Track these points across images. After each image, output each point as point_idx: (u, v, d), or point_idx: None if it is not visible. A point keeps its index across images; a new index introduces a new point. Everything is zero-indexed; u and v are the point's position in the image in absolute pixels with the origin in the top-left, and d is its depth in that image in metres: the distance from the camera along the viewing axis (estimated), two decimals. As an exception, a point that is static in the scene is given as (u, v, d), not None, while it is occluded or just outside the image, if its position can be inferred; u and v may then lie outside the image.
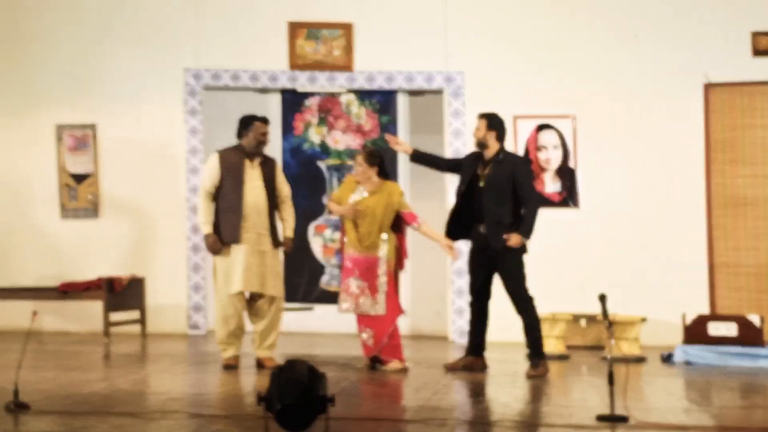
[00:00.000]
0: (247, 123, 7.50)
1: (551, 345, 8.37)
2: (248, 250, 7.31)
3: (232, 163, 7.40)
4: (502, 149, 7.38)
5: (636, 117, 9.64)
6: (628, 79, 9.64)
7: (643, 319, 8.62)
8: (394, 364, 7.35)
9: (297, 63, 10.02)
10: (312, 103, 10.33)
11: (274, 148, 10.32)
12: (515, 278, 7.24)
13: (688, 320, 8.23)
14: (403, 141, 7.97)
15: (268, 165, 7.57)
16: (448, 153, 9.79)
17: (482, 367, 7.42)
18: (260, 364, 7.41)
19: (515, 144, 9.60)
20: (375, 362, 7.42)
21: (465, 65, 9.85)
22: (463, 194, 7.38)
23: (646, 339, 8.79)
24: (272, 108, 10.31)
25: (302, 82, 10.09)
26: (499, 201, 7.21)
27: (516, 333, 8.93)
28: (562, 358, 8.30)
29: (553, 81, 9.69)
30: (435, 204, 9.87)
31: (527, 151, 9.62)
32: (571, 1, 9.79)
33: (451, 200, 9.68)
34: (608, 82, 9.66)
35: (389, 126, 10.23)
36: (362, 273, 7.43)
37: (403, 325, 9.67)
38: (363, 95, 10.26)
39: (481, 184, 7.28)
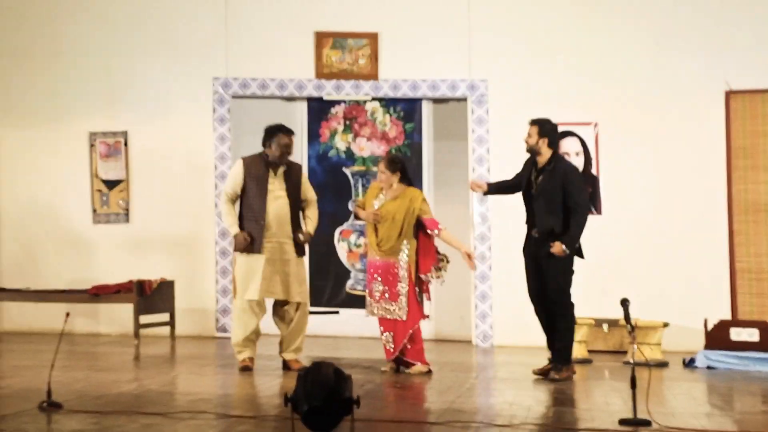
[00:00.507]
0: (271, 133, 7.50)
1: (573, 349, 8.39)
2: (268, 260, 7.35)
3: (255, 172, 7.43)
4: (554, 156, 7.28)
5: (657, 124, 9.64)
6: (650, 87, 9.65)
7: (665, 324, 8.62)
8: (418, 367, 7.42)
9: (323, 72, 10.13)
10: (338, 110, 10.42)
11: (301, 155, 10.46)
12: (559, 283, 7.16)
13: (710, 325, 8.23)
14: (478, 182, 7.82)
15: (292, 173, 7.58)
16: (472, 160, 9.86)
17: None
18: (287, 367, 7.50)
19: None
20: (399, 365, 7.50)
21: (488, 73, 9.89)
22: (523, 194, 7.38)
23: (668, 344, 8.79)
24: (298, 116, 10.43)
25: (328, 90, 10.20)
26: (550, 209, 7.14)
27: (537, 336, 8.99)
28: (584, 362, 8.29)
29: (576, 88, 9.71)
30: (460, 209, 9.96)
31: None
32: (593, 10, 9.80)
33: (474, 206, 9.79)
34: (630, 89, 9.67)
35: (413, 133, 10.31)
36: (383, 277, 7.49)
37: (427, 328, 9.78)
38: (388, 103, 10.33)
39: (534, 191, 7.25)
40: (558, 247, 7.09)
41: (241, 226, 7.43)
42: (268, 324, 7.75)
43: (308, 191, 7.68)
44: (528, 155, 7.37)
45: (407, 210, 7.47)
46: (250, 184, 7.43)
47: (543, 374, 7.27)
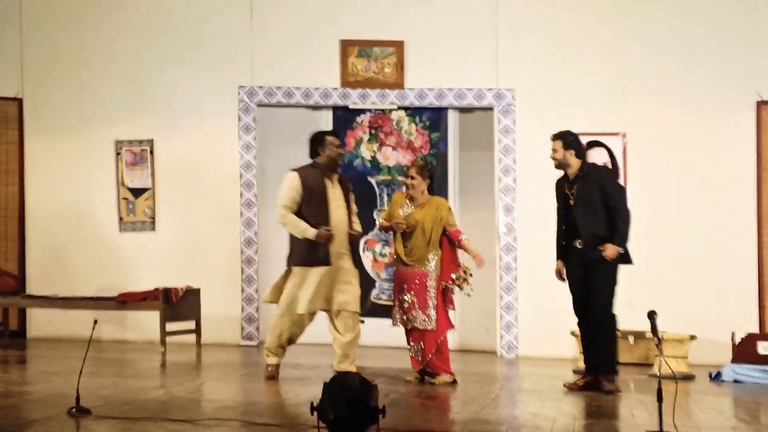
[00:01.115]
0: (320, 140, 7.31)
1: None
2: (327, 271, 7.21)
3: (313, 183, 7.20)
4: (584, 163, 7.26)
5: (687, 134, 9.58)
6: (679, 96, 9.59)
7: (692, 337, 8.55)
8: (443, 377, 7.41)
9: (349, 80, 10.13)
10: (363, 119, 10.43)
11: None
12: (605, 291, 7.08)
13: (737, 339, 8.18)
14: (558, 267, 7.45)
15: (343, 182, 7.44)
16: (498, 170, 9.83)
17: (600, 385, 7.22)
18: None
19: None
20: (424, 375, 7.49)
21: (515, 82, 9.86)
22: (562, 217, 7.29)
23: (695, 357, 8.74)
24: (323, 124, 10.43)
25: (354, 99, 10.21)
26: (590, 214, 7.08)
27: (562, 348, 8.96)
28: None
29: (603, 98, 9.67)
30: (485, 220, 9.95)
31: None
32: (622, 19, 9.75)
33: (500, 216, 9.77)
34: (658, 99, 9.62)
35: (439, 143, 10.31)
36: (412, 287, 7.47)
37: (452, 339, 9.75)
38: (413, 112, 10.32)
39: (572, 202, 7.17)
40: (611, 249, 7.01)
41: (305, 242, 7.17)
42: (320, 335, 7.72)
43: (352, 202, 7.56)
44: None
45: (434, 218, 7.46)
46: (309, 197, 7.19)
47: (577, 388, 7.19)
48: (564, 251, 7.32)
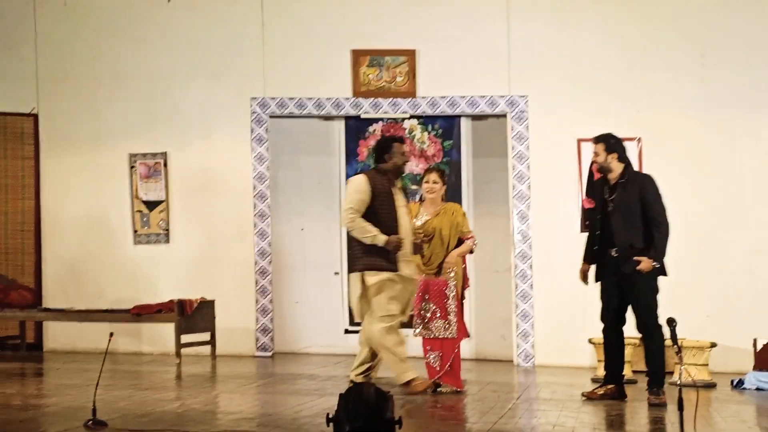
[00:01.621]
0: (387, 146, 7.18)
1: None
2: (403, 277, 7.05)
3: (381, 188, 7.06)
4: (626, 169, 7.05)
5: (702, 139, 9.50)
6: (694, 101, 9.52)
7: (713, 345, 8.41)
8: (449, 387, 7.39)
9: (360, 90, 10.12)
10: (375, 128, 10.42)
11: (339, 174, 10.49)
12: (647, 305, 6.91)
13: (759, 346, 8.09)
14: (583, 269, 7.28)
15: (403, 189, 7.37)
16: (511, 177, 9.79)
17: (621, 395, 7.12)
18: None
19: (579, 166, 9.57)
20: (437, 386, 7.43)
21: (528, 89, 9.81)
22: (597, 221, 7.12)
23: (716, 365, 8.64)
24: (336, 134, 10.47)
25: (366, 108, 10.20)
26: (628, 224, 6.92)
27: (580, 357, 8.89)
28: (629, 382, 8.08)
29: (618, 103, 9.59)
30: (500, 227, 9.93)
31: (591, 174, 9.36)
32: (636, 24, 9.69)
33: (515, 224, 9.73)
34: (674, 104, 9.54)
35: (452, 150, 10.29)
36: (433, 297, 7.42)
37: (468, 348, 9.75)
38: (426, 120, 10.31)
39: (610, 208, 7.01)
40: (646, 263, 6.85)
41: (371, 247, 7.00)
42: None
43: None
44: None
45: (451, 224, 7.40)
46: (377, 201, 7.02)
47: (596, 397, 7.09)
48: (594, 256, 7.17)
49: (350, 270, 7.36)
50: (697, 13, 9.61)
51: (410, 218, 7.24)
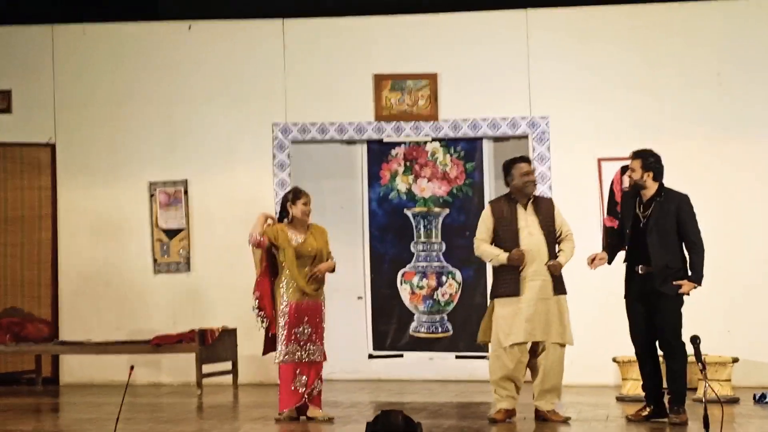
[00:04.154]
0: (509, 167, 7.23)
1: (641, 387, 8.13)
2: (532, 299, 6.96)
3: (503, 212, 7.14)
4: (662, 187, 6.99)
5: (722, 157, 9.52)
6: (713, 120, 9.55)
7: (735, 360, 8.42)
8: (323, 412, 7.29)
9: (383, 114, 10.11)
10: (398, 152, 10.37)
11: (361, 198, 10.41)
12: (672, 325, 6.86)
13: (781, 360, 8.13)
14: (598, 254, 7.20)
15: (542, 206, 7.22)
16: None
17: (663, 413, 6.96)
18: (542, 417, 7.07)
19: (600, 186, 9.62)
20: (300, 413, 7.29)
21: (549, 110, 9.83)
22: (627, 236, 7.03)
23: (738, 379, 8.62)
24: (358, 158, 10.40)
25: (388, 132, 10.16)
26: (664, 243, 6.85)
27: (605, 375, 8.78)
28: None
29: (636, 122, 9.60)
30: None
31: (612, 193, 9.49)
32: (654, 44, 9.72)
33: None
34: (692, 122, 9.57)
35: (474, 172, 10.23)
36: (310, 319, 7.34)
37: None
38: (448, 143, 10.27)
39: (642, 225, 6.92)
40: (688, 286, 6.82)
41: (498, 269, 7.10)
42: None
43: (564, 224, 7.28)
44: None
45: (325, 243, 7.57)
46: (500, 226, 7.12)
47: (641, 418, 6.98)
48: (614, 253, 7.17)
49: (561, 292, 7.18)
50: (714, 31, 9.67)
51: (544, 237, 7.11)
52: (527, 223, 7.10)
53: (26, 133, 10.59)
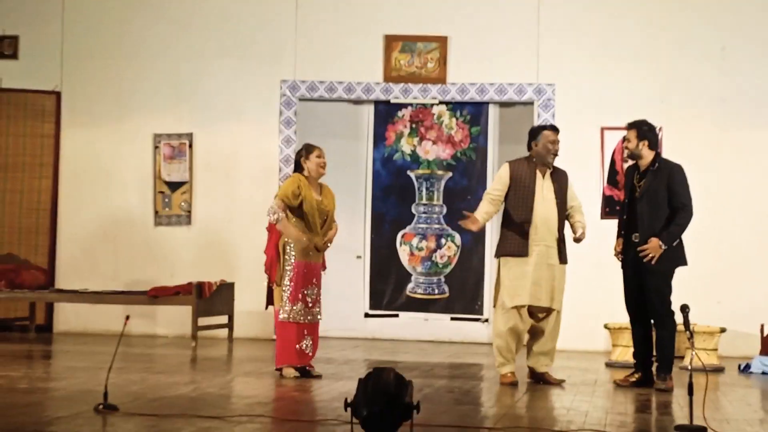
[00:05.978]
0: (535, 133, 7.23)
1: (630, 354, 8.15)
2: (537, 263, 7.00)
3: (522, 174, 7.12)
4: (657, 157, 7.07)
5: (722, 129, 9.65)
6: (715, 92, 9.67)
7: (723, 330, 8.57)
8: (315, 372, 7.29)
9: (391, 75, 10.14)
10: (404, 114, 10.38)
11: (366, 158, 10.41)
12: (661, 294, 6.94)
13: (767, 331, 8.21)
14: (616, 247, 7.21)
15: (559, 177, 7.24)
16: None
17: (649, 381, 7.04)
18: (537, 378, 7.16)
19: (602, 154, 9.71)
20: (306, 371, 7.26)
21: (555, 77, 9.91)
22: (624, 206, 7.15)
23: (725, 349, 8.80)
24: (364, 118, 10.41)
25: (396, 93, 10.18)
26: (654, 213, 6.91)
27: (595, 341, 8.85)
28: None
29: (641, 92, 9.70)
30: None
31: (613, 161, 9.65)
32: (660, 15, 9.81)
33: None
34: (695, 94, 9.69)
35: (479, 137, 10.24)
36: (317, 281, 7.33)
37: (485, 333, 9.62)
38: (454, 106, 10.28)
39: (637, 194, 7.00)
40: (654, 243, 6.83)
41: (506, 228, 7.11)
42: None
43: (575, 198, 7.33)
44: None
45: (334, 206, 7.54)
46: (515, 187, 7.12)
47: (628, 384, 7.07)
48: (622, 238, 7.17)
49: (565, 261, 7.21)
50: (720, 5, 9.75)
51: (556, 206, 7.12)
52: (543, 189, 7.13)
53: (32, 80, 10.57)
